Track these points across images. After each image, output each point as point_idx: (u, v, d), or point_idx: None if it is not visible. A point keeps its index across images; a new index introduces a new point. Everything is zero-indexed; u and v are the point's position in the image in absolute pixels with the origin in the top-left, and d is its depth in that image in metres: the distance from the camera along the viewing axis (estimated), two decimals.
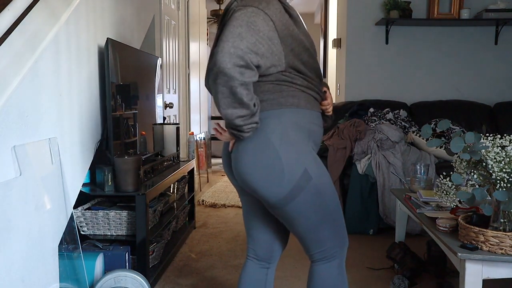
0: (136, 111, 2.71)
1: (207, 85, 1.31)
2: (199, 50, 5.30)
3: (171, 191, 3.01)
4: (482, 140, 1.53)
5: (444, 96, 4.17)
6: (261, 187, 1.34)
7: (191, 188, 3.49)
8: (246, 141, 1.34)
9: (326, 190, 1.40)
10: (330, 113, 1.53)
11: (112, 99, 2.32)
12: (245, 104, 1.22)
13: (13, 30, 1.63)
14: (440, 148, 3.32)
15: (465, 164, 1.60)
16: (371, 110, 3.83)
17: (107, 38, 2.29)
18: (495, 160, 1.49)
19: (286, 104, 1.35)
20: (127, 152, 2.47)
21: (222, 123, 1.43)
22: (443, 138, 1.67)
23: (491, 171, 1.50)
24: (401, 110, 3.87)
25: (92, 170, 2.38)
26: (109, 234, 2.35)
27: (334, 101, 4.64)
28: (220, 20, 1.42)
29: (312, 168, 1.36)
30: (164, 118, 3.44)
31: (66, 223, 1.90)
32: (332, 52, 5.15)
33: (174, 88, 4.19)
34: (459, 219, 1.70)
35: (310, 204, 1.37)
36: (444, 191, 1.67)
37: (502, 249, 1.53)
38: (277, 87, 1.35)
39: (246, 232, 1.64)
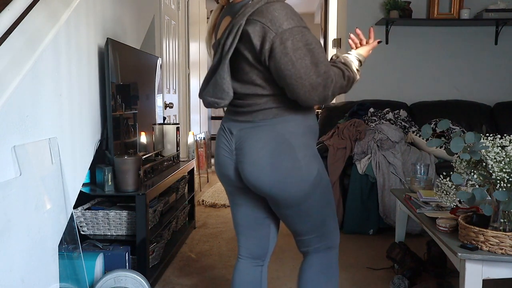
0: (136, 111, 2.71)
1: (327, 96, 1.34)
2: (199, 50, 5.30)
3: (171, 192, 3.00)
4: (482, 140, 1.54)
5: (444, 96, 4.17)
6: (280, 188, 1.40)
7: (191, 188, 3.48)
8: (264, 145, 1.38)
9: (330, 186, 1.52)
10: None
11: (112, 99, 2.32)
12: (345, 78, 1.39)
13: (13, 30, 1.63)
14: (440, 148, 3.32)
15: (465, 164, 1.59)
16: (371, 110, 3.83)
17: (107, 38, 2.29)
18: (495, 160, 1.49)
19: (301, 109, 1.41)
20: (127, 152, 2.47)
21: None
22: (443, 138, 1.67)
23: (491, 171, 1.50)
24: (401, 110, 3.86)
25: (92, 170, 2.37)
26: (109, 234, 2.35)
27: (334, 101, 4.63)
28: (231, 41, 1.33)
29: (321, 167, 1.46)
30: (164, 118, 3.44)
31: (66, 223, 1.90)
32: (332, 52, 5.15)
33: (174, 88, 4.19)
34: (459, 219, 1.70)
35: (321, 201, 1.48)
36: (444, 191, 1.67)
37: (502, 249, 1.53)
38: None
39: (237, 232, 1.64)
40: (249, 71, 1.35)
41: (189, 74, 4.71)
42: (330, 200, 1.51)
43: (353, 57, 1.48)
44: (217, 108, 1.50)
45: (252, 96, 1.38)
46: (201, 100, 1.46)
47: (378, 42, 1.57)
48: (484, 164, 1.53)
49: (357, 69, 1.45)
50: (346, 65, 1.43)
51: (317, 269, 1.56)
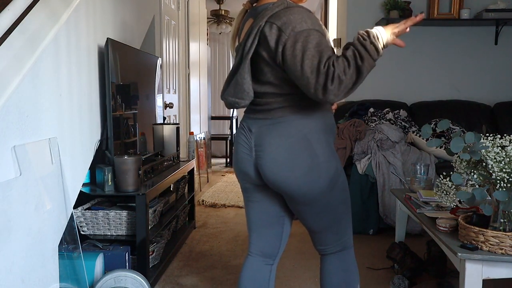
0: (136, 111, 2.71)
1: (337, 94, 1.30)
2: (199, 50, 5.30)
3: (171, 192, 3.00)
4: (482, 140, 1.54)
5: (444, 96, 4.17)
6: (298, 184, 1.42)
7: (191, 188, 3.48)
8: (282, 141, 1.41)
9: (347, 185, 1.54)
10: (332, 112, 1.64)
11: (112, 99, 2.32)
12: (352, 68, 1.28)
13: (13, 30, 1.63)
14: (440, 148, 3.32)
15: (465, 164, 1.60)
16: (371, 110, 3.83)
17: (107, 38, 2.29)
18: (495, 160, 1.49)
19: (318, 107, 1.44)
20: (127, 152, 2.48)
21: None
22: (443, 138, 1.67)
23: (491, 171, 1.50)
24: (401, 110, 3.86)
25: (92, 170, 2.38)
26: (109, 234, 2.35)
27: None
28: (251, 42, 1.37)
29: (339, 166, 1.49)
30: (164, 118, 3.44)
31: (66, 223, 1.90)
32: None
33: (174, 88, 4.19)
34: (459, 219, 1.70)
35: (338, 199, 1.49)
36: (444, 191, 1.68)
37: (502, 249, 1.53)
38: None
39: (250, 229, 1.65)
40: (267, 72, 1.39)
41: (189, 74, 4.71)
42: (346, 198, 1.53)
43: (368, 43, 1.30)
44: (237, 108, 1.52)
45: (271, 94, 1.42)
46: (222, 102, 1.49)
47: (416, 20, 1.33)
48: (484, 164, 1.53)
49: (370, 54, 1.29)
50: (358, 55, 1.29)
51: (337, 270, 1.58)
